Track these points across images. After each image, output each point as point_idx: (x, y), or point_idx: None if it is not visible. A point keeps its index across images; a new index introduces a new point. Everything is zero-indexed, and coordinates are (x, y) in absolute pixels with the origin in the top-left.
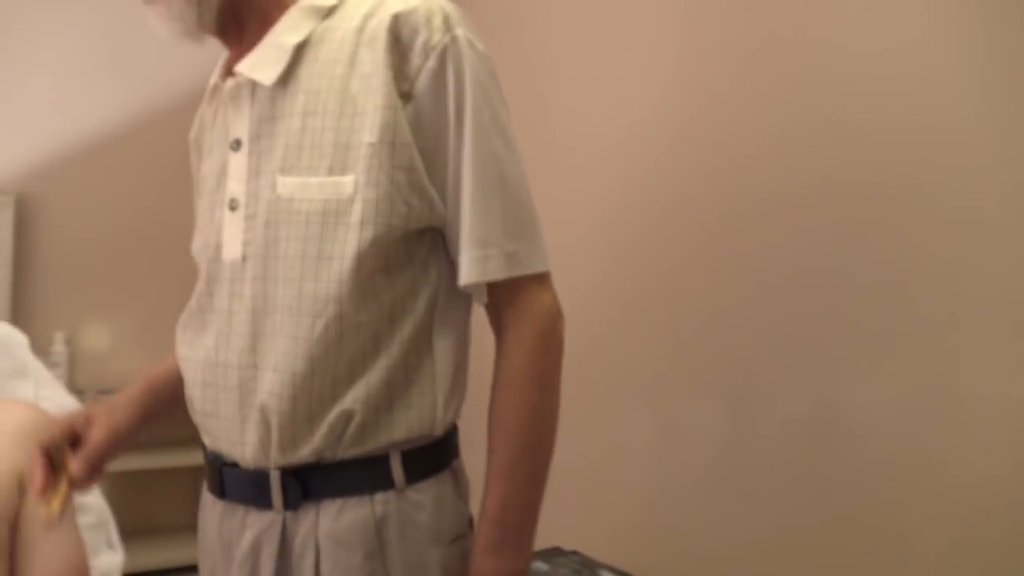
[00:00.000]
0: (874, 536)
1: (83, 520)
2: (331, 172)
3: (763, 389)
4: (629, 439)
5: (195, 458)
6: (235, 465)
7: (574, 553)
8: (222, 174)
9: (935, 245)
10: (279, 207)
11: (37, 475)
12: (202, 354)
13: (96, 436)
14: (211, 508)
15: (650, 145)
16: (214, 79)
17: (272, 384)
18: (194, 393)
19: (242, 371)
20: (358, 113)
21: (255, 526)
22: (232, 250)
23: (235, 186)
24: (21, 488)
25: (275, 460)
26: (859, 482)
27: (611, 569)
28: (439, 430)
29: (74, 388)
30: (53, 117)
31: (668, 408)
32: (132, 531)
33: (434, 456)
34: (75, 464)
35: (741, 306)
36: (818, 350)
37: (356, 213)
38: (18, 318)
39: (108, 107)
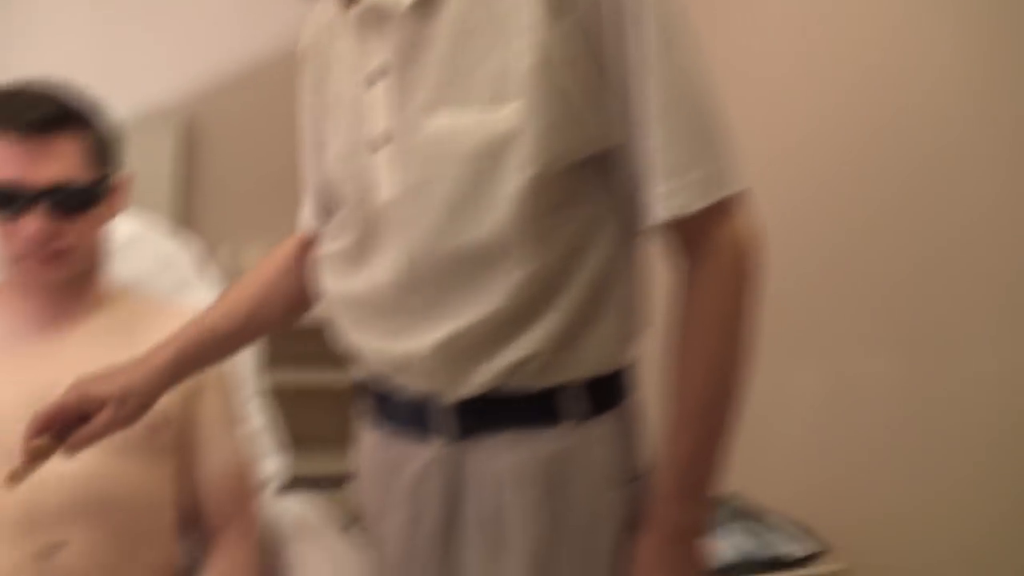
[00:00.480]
0: None
1: (247, 425)
2: (487, 103)
3: (954, 344)
4: (800, 382)
5: (347, 376)
6: (394, 393)
7: (734, 496)
8: (360, 110)
9: None
10: (430, 145)
11: (25, 442)
12: (354, 295)
13: (98, 424)
14: (369, 436)
15: (856, 67)
16: (331, 10)
17: (438, 331)
18: (348, 329)
19: (402, 317)
20: (510, 33)
21: (418, 458)
22: (384, 192)
23: (379, 122)
24: (189, 390)
25: (441, 390)
26: None
27: (776, 513)
28: (619, 364)
29: None
30: (218, 41)
31: (845, 355)
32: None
33: (613, 388)
34: (67, 445)
35: (943, 255)
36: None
37: (518, 148)
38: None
39: (271, 30)
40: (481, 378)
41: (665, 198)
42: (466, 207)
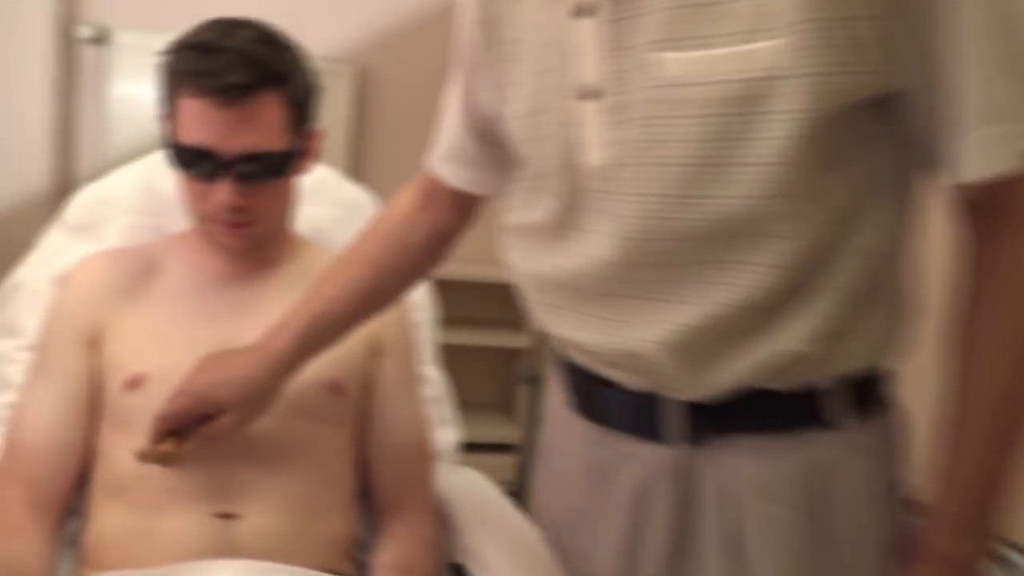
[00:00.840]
0: None
1: (424, 392)
2: (740, 40)
3: None
4: None
5: (504, 340)
6: (610, 384)
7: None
8: (560, 52)
9: None
10: (664, 95)
11: (150, 446)
12: (552, 275)
13: (222, 428)
14: (572, 426)
15: None
16: None
17: (667, 323)
18: (542, 313)
19: (617, 304)
20: None
21: (643, 462)
22: (596, 154)
23: (589, 67)
24: (371, 352)
25: (671, 390)
26: None
27: None
28: (887, 363)
29: None
30: None
31: None
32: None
33: (883, 390)
34: (188, 443)
35: None
36: None
37: (784, 92)
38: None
39: None
40: (723, 379)
41: (981, 150)
42: (709, 171)
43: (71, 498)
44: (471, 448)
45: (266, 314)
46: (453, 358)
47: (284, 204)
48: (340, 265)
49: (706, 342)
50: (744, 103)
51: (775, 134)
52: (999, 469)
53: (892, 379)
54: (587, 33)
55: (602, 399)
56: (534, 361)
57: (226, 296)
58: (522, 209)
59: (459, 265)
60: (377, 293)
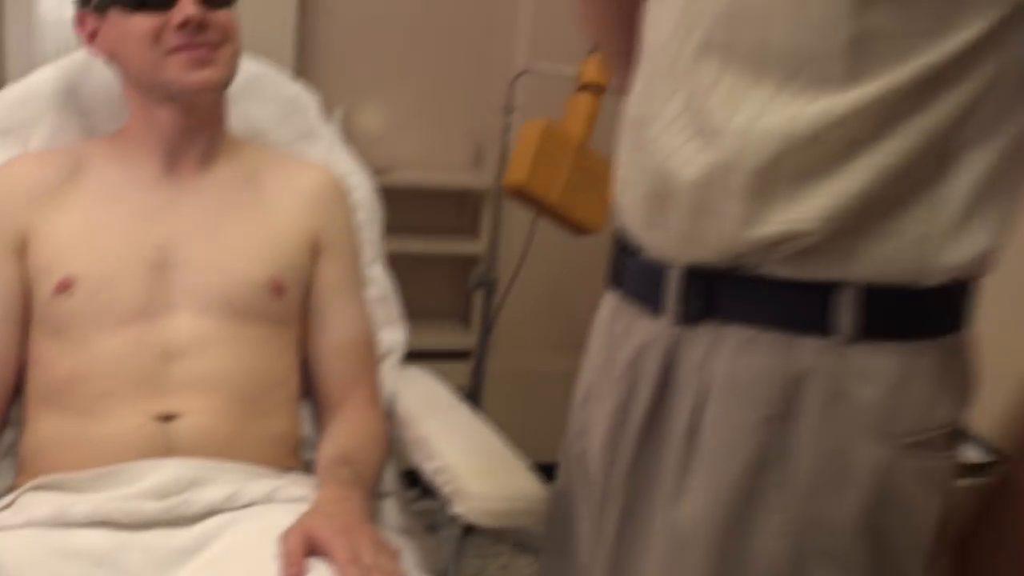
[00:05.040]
0: None
1: (368, 293)
2: None
3: None
4: None
5: (458, 247)
6: (637, 252)
7: None
8: None
9: None
10: None
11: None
12: (636, 113)
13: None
14: (607, 301)
15: None
16: None
17: (703, 159)
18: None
19: (674, 134)
20: None
21: (641, 334)
22: None
23: None
24: (313, 253)
25: (681, 251)
26: None
27: None
28: (934, 279)
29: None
30: None
31: None
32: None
33: (916, 312)
34: None
35: None
36: None
37: None
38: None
39: None
40: (733, 239)
41: None
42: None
43: (5, 408)
44: (427, 356)
45: (199, 213)
46: (408, 266)
47: (238, 43)
48: None
49: (715, 193)
50: None
51: None
52: None
53: (956, 302)
54: None
55: (626, 267)
56: (488, 267)
57: (158, 195)
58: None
59: (412, 171)
60: None
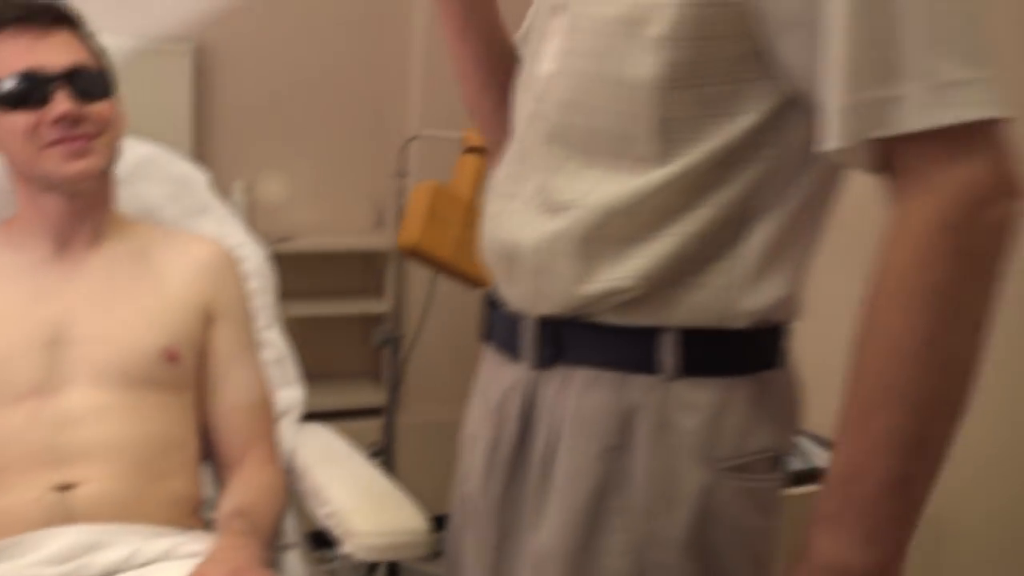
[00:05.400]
0: None
1: (265, 356)
2: None
3: None
4: None
5: (363, 307)
6: (501, 306)
7: None
8: None
9: None
10: (582, 11)
11: None
12: (501, 190)
13: None
14: (483, 350)
15: None
16: None
17: (545, 225)
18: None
19: (529, 210)
20: None
21: (506, 379)
22: (543, 64)
23: None
24: (205, 320)
25: (531, 305)
26: None
27: None
28: (739, 322)
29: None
30: None
31: None
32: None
33: (728, 351)
34: None
35: None
36: None
37: (656, 23)
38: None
39: None
40: (560, 297)
41: (855, 110)
42: (597, 86)
43: None
44: (339, 415)
45: (91, 289)
46: (318, 328)
47: (116, 132)
48: None
49: (551, 256)
50: (627, 24)
51: (644, 59)
52: (874, 468)
53: (765, 342)
54: None
55: (493, 320)
56: (394, 325)
57: (50, 276)
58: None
59: (317, 237)
60: None
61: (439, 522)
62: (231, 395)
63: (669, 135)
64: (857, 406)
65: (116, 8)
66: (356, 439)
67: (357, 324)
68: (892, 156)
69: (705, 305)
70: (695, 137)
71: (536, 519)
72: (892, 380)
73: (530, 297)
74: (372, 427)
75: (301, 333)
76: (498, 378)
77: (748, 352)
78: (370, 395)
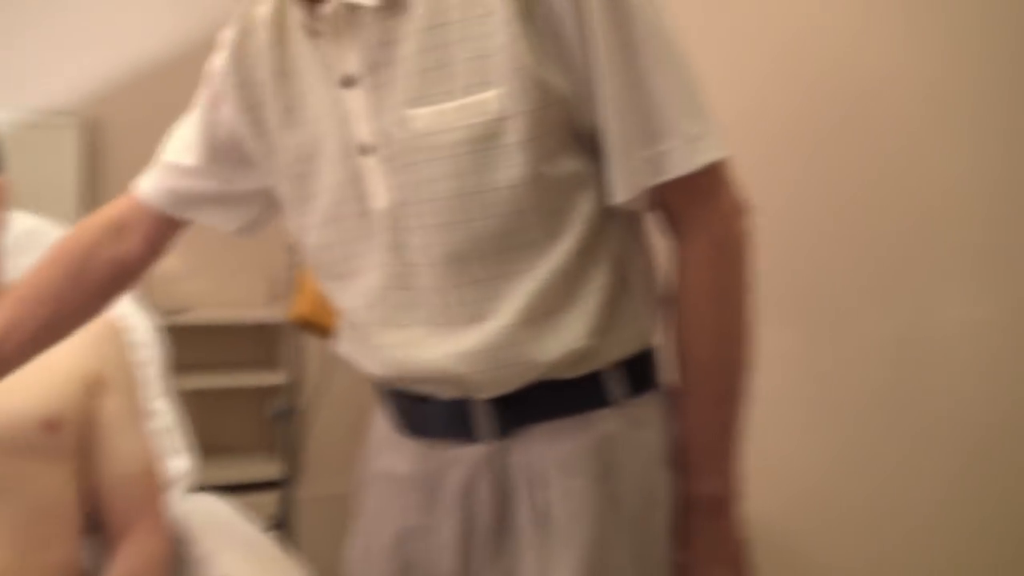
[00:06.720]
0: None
1: (152, 425)
2: (474, 91)
3: (842, 312)
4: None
5: (259, 379)
6: (426, 399)
7: None
8: (338, 117)
9: None
10: (417, 144)
11: None
12: (349, 305)
13: None
14: (399, 449)
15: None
16: (294, 13)
17: (461, 339)
18: (344, 340)
19: (411, 328)
20: (489, 12)
21: (464, 462)
22: (380, 199)
23: (362, 128)
24: (89, 390)
25: (481, 394)
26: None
27: None
28: (652, 342)
29: (147, 308)
30: (117, 38)
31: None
32: (201, 448)
33: (652, 365)
34: None
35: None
36: (902, 271)
37: (511, 130)
38: None
39: (170, 30)
40: (518, 378)
41: (647, 162)
42: (468, 199)
43: None
44: (237, 489)
45: None
46: (211, 401)
47: (3, 206)
48: (17, 301)
49: (498, 351)
50: (483, 141)
51: (512, 162)
52: (708, 424)
53: (657, 357)
54: (354, 100)
55: (422, 414)
56: (289, 396)
57: None
58: (322, 252)
59: (211, 310)
60: (53, 330)
61: None
62: (117, 464)
63: (552, 215)
64: (687, 382)
65: (3, 80)
66: (254, 512)
67: (252, 396)
68: (665, 198)
69: (631, 336)
70: (572, 207)
71: (543, 567)
72: (705, 357)
73: (475, 391)
74: (269, 500)
75: (196, 405)
76: (447, 465)
77: (656, 365)
78: (266, 468)
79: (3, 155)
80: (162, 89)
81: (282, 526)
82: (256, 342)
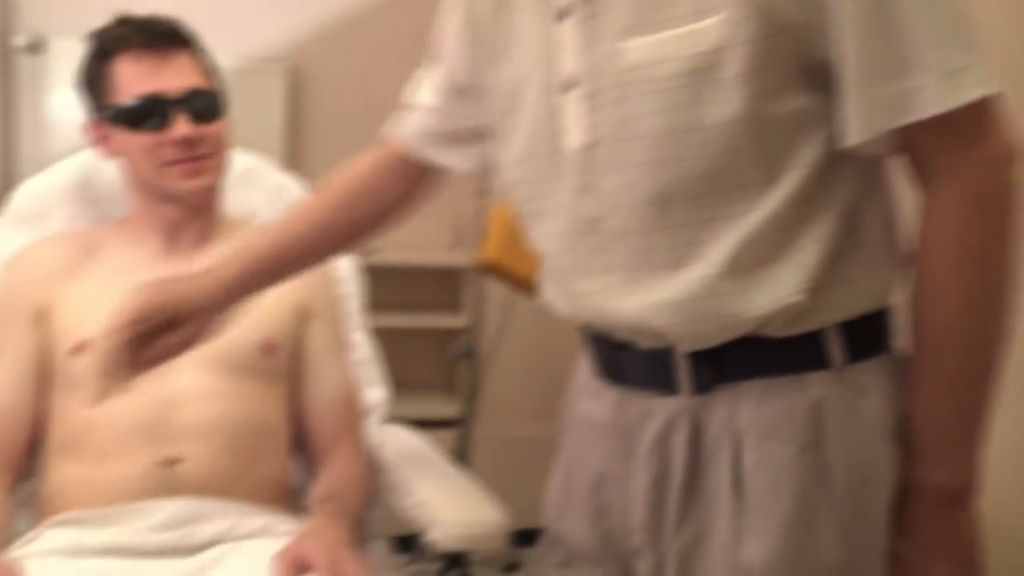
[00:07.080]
0: None
1: (352, 356)
2: (692, 20)
3: None
4: None
5: (442, 321)
6: (626, 346)
7: None
8: (547, 52)
9: None
10: (629, 78)
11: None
12: (554, 247)
13: (181, 340)
14: (599, 395)
15: None
16: None
17: (663, 289)
18: (547, 285)
19: (614, 272)
20: None
21: (661, 414)
22: (575, 138)
23: (568, 63)
24: (301, 317)
25: (683, 345)
26: None
27: None
28: (885, 302)
29: None
30: None
31: None
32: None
33: (882, 329)
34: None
35: None
36: None
37: (729, 62)
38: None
39: None
40: (722, 332)
41: (889, 101)
42: (684, 136)
43: (25, 461)
44: (415, 424)
45: None
46: (396, 340)
47: (226, 153)
48: (309, 201)
49: (701, 302)
50: (700, 73)
51: (728, 97)
52: (946, 405)
53: (890, 320)
54: (565, 33)
55: (621, 362)
56: (471, 338)
57: (163, 270)
58: (522, 187)
59: (399, 251)
60: (334, 236)
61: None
62: (322, 389)
63: (771, 157)
64: (923, 355)
65: (218, 31)
66: (442, 445)
67: (435, 337)
68: (913, 140)
69: (858, 295)
70: (794, 149)
71: (735, 537)
72: (948, 328)
73: (675, 343)
74: (447, 438)
75: (382, 343)
76: (646, 414)
77: (892, 323)
78: (445, 407)
79: (228, 102)
80: (360, 37)
81: (458, 464)
82: (441, 285)
